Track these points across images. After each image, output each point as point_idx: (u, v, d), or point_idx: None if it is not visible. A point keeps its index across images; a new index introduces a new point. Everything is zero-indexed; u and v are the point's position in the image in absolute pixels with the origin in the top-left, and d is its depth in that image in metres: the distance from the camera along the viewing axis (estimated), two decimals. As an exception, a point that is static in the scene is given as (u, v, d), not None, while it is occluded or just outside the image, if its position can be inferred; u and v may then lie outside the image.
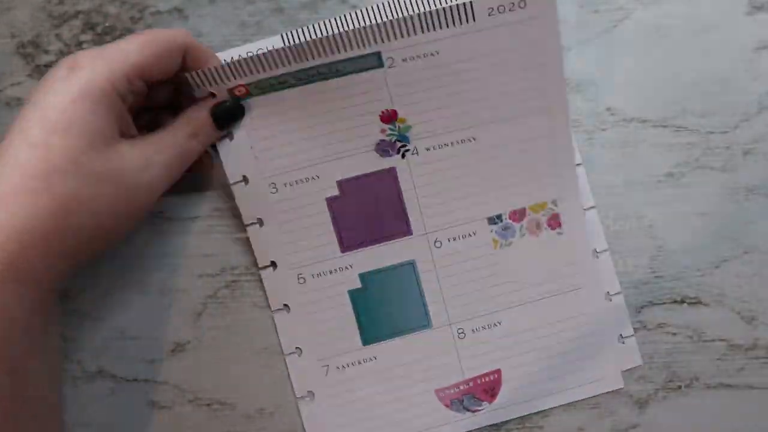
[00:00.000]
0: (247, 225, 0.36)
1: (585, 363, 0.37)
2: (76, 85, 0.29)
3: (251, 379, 0.38)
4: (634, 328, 0.38)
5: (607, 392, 0.37)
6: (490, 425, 0.38)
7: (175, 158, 0.33)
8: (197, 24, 0.37)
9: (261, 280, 0.37)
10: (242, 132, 0.35)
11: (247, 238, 0.37)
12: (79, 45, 0.38)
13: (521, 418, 0.38)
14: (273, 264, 0.37)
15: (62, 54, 0.37)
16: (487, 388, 0.37)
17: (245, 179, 0.36)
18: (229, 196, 0.37)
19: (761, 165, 0.37)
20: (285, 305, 0.37)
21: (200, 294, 0.38)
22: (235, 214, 0.37)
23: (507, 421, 0.38)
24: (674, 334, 0.38)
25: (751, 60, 0.38)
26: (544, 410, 0.38)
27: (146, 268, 0.37)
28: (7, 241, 0.28)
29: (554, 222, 0.37)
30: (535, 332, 0.37)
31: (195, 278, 0.38)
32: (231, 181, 0.36)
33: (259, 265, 0.37)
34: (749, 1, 0.38)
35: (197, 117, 0.34)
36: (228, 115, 0.34)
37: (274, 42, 0.36)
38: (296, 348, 0.37)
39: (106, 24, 0.37)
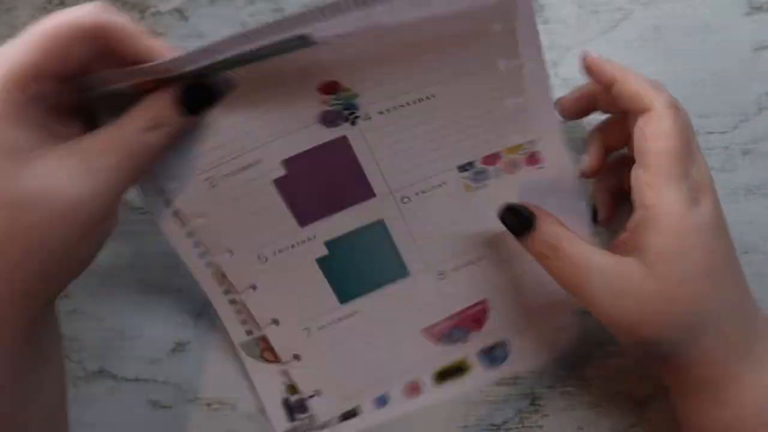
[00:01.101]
0: (192, 219, 0.33)
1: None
2: None
3: (251, 379, 0.38)
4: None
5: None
6: (491, 424, 0.38)
7: (125, 159, 0.28)
8: (197, 24, 0.37)
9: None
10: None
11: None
12: (80, 45, 0.38)
13: (521, 417, 0.38)
14: (229, 251, 0.34)
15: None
16: (474, 318, 0.37)
17: (178, 179, 0.32)
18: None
19: (760, 165, 0.37)
20: (251, 285, 0.35)
21: (200, 294, 0.38)
22: (235, 214, 0.37)
23: (506, 421, 0.38)
24: (674, 334, 0.38)
25: (750, 60, 0.38)
26: (544, 407, 0.38)
27: (146, 268, 0.38)
28: None
29: (533, 159, 0.34)
30: (520, 261, 0.35)
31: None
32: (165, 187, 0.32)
33: (213, 255, 0.34)
34: (748, 1, 0.38)
35: (156, 103, 0.29)
36: (203, 95, 0.30)
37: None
38: (272, 320, 0.36)
39: (107, 24, 0.38)
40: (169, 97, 0.29)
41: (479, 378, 0.38)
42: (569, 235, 0.31)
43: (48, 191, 0.26)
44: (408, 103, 0.32)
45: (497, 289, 0.37)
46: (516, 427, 0.38)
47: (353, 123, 0.32)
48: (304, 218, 0.34)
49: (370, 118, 0.32)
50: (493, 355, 0.38)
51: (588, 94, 0.34)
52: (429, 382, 0.38)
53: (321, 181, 0.34)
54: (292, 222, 0.34)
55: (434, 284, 0.36)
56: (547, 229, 0.31)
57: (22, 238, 0.26)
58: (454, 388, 0.38)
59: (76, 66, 0.27)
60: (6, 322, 0.26)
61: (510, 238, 0.33)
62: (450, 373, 0.38)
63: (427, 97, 0.32)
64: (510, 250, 0.35)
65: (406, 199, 0.34)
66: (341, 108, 0.32)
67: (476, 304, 0.37)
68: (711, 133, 0.37)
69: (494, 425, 0.38)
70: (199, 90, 0.29)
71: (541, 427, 0.38)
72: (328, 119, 0.32)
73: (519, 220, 0.32)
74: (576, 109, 0.35)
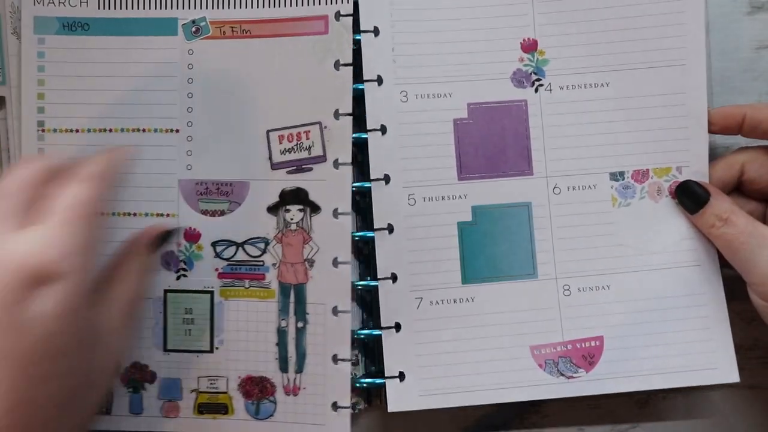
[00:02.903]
0: (370, 130, 0.36)
1: (696, 347, 0.36)
2: (57, 306, 0.26)
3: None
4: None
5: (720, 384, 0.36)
6: (492, 425, 0.38)
7: (132, 311, 0.33)
8: (198, 25, 0.37)
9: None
10: (388, 29, 0.36)
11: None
12: (80, 47, 0.38)
13: (521, 417, 0.38)
14: (386, 178, 0.36)
15: (63, 56, 0.37)
16: (586, 354, 0.36)
17: (379, 80, 0.36)
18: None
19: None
20: (389, 225, 0.36)
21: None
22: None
23: (507, 421, 0.38)
24: (674, 334, 0.38)
25: (751, 60, 0.38)
26: (544, 408, 0.38)
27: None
28: None
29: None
30: (645, 303, 0.36)
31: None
32: (365, 78, 0.36)
33: (372, 177, 0.36)
34: (749, 1, 0.38)
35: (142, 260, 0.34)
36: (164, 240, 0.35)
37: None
38: (391, 274, 0.36)
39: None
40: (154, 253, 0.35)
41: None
42: (738, 209, 0.34)
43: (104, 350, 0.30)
44: (586, 85, 0.36)
45: (616, 330, 0.36)
46: (516, 428, 0.38)
47: (536, 90, 0.36)
48: (464, 171, 0.36)
49: (551, 90, 0.36)
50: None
51: (738, 113, 0.35)
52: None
53: (492, 140, 0.36)
54: (453, 171, 0.36)
55: (557, 298, 0.36)
56: (719, 203, 0.35)
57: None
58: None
59: None
60: None
61: (640, 275, 0.36)
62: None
63: (603, 84, 0.36)
64: (638, 288, 0.36)
65: (557, 189, 0.36)
66: (531, 71, 0.36)
67: (592, 339, 0.36)
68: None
69: (495, 426, 0.38)
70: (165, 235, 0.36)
71: (541, 427, 0.38)
72: (518, 78, 0.36)
73: (694, 196, 0.35)
74: (722, 124, 0.36)
